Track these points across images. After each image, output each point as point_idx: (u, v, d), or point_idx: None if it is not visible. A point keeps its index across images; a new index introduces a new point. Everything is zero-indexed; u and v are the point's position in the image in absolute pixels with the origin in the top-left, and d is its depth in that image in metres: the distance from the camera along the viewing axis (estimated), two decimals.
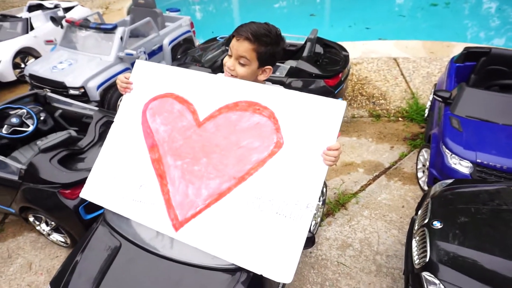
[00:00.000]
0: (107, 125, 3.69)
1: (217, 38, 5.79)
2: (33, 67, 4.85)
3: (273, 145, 1.53)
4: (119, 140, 1.90)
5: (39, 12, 7.39)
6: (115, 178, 1.87)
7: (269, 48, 1.49)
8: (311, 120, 1.48)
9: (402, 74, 6.18)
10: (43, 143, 3.25)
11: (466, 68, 4.56)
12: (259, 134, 1.54)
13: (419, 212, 2.88)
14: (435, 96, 3.83)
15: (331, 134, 1.45)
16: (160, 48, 5.55)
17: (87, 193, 1.92)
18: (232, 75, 1.61)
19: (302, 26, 10.79)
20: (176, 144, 1.76)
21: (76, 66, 4.73)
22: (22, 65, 6.36)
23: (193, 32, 6.16)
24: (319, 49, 4.91)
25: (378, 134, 4.84)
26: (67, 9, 7.40)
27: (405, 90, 5.74)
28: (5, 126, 3.64)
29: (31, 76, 4.79)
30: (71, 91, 4.55)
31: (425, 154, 3.89)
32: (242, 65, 1.55)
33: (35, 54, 6.56)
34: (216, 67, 4.72)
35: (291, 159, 1.50)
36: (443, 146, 3.42)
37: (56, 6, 7.40)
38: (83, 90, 4.53)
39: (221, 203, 1.62)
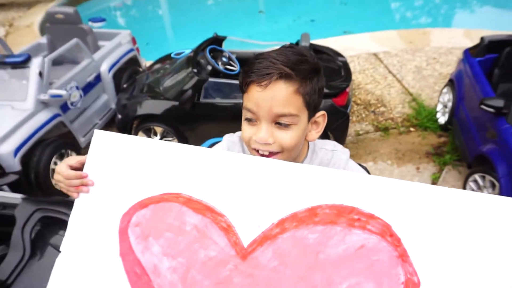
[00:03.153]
0: (44, 227, 2.32)
1: (172, 56, 4.49)
2: None
3: None
4: None
5: None
6: None
7: (315, 80, 0.88)
8: (467, 235, 0.78)
9: (390, 72, 5.41)
10: None
11: (487, 62, 3.84)
12: (369, 268, 0.82)
13: None
14: (484, 107, 3.00)
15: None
16: (98, 78, 4.12)
17: None
18: (269, 154, 0.94)
19: (250, 24, 9.81)
20: None
21: None
22: None
23: (137, 49, 4.79)
24: None
25: (395, 152, 3.97)
26: None
27: (401, 92, 4.97)
28: None
29: None
30: None
31: (479, 180, 3.07)
32: (285, 127, 0.89)
33: None
34: (186, 100, 3.46)
35: None
36: None
37: None
38: None
39: None
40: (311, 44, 4.03)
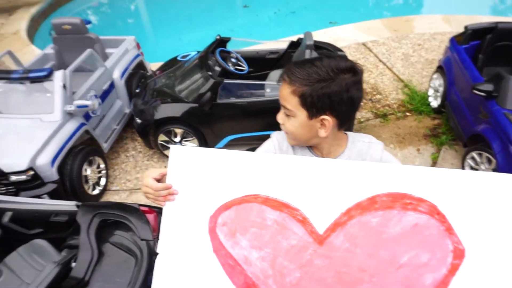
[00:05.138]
0: (104, 228, 2.55)
1: (178, 58, 4.68)
2: None
3: (451, 256, 1.01)
4: (179, 286, 1.13)
5: None
6: None
7: (315, 86, 1.06)
8: (494, 208, 1.00)
9: (380, 60, 5.77)
10: None
11: (472, 49, 4.24)
12: (423, 242, 1.03)
13: None
14: (475, 92, 3.38)
15: None
16: (111, 85, 4.27)
17: None
18: (287, 134, 1.21)
19: (231, 18, 9.93)
20: (291, 278, 1.07)
21: (8, 139, 3.32)
22: None
23: (141, 54, 4.93)
24: (312, 53, 4.17)
25: (396, 137, 4.34)
26: None
27: (393, 79, 5.34)
28: None
29: None
30: (13, 178, 3.17)
31: (476, 157, 3.47)
32: (288, 116, 1.15)
33: None
34: (206, 101, 3.69)
35: (485, 272, 1.00)
36: None
37: None
38: (32, 173, 3.18)
39: None
40: (314, 41, 4.30)
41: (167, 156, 4.35)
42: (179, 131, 3.94)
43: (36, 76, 3.50)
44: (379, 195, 1.04)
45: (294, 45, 4.51)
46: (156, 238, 2.64)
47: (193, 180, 1.12)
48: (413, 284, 1.01)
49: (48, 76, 3.50)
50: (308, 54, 3.86)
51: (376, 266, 1.03)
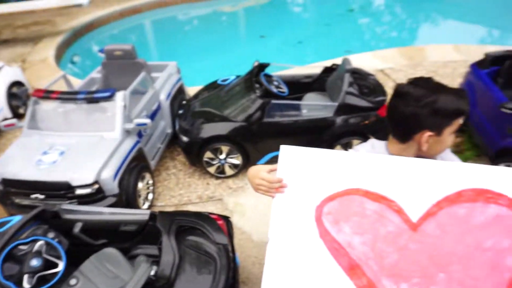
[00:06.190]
0: (183, 233, 2.73)
1: (218, 82, 4.98)
2: (5, 168, 3.47)
3: None
4: (289, 267, 1.30)
5: None
6: None
7: None
8: None
9: None
10: None
11: (491, 73, 4.60)
12: (505, 230, 1.20)
13: None
14: (504, 110, 3.70)
15: None
16: (158, 106, 4.54)
17: None
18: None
19: (244, 48, 10.35)
20: (390, 260, 1.25)
21: (73, 155, 3.52)
22: None
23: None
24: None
25: None
26: None
27: None
28: (26, 276, 2.43)
29: (6, 182, 3.41)
30: (79, 191, 3.35)
31: None
32: None
33: None
34: (255, 120, 3.96)
35: None
36: None
37: None
38: (97, 186, 3.37)
39: None
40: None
41: (210, 173, 4.59)
42: (225, 148, 4.17)
43: (101, 97, 3.76)
44: (464, 190, 1.22)
45: (327, 70, 4.86)
46: (229, 243, 2.82)
47: (300, 175, 1.31)
48: (497, 265, 1.19)
49: (111, 97, 3.76)
50: (347, 78, 4.19)
51: (463, 250, 1.20)
